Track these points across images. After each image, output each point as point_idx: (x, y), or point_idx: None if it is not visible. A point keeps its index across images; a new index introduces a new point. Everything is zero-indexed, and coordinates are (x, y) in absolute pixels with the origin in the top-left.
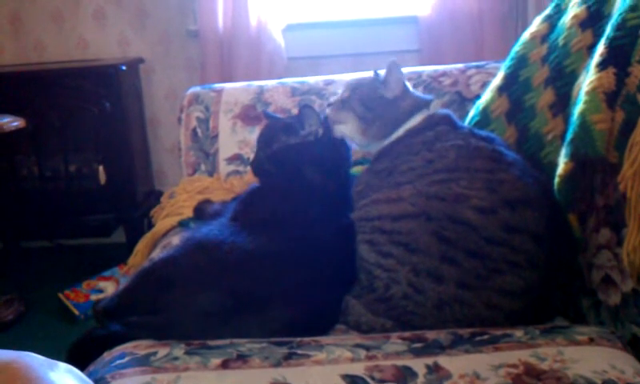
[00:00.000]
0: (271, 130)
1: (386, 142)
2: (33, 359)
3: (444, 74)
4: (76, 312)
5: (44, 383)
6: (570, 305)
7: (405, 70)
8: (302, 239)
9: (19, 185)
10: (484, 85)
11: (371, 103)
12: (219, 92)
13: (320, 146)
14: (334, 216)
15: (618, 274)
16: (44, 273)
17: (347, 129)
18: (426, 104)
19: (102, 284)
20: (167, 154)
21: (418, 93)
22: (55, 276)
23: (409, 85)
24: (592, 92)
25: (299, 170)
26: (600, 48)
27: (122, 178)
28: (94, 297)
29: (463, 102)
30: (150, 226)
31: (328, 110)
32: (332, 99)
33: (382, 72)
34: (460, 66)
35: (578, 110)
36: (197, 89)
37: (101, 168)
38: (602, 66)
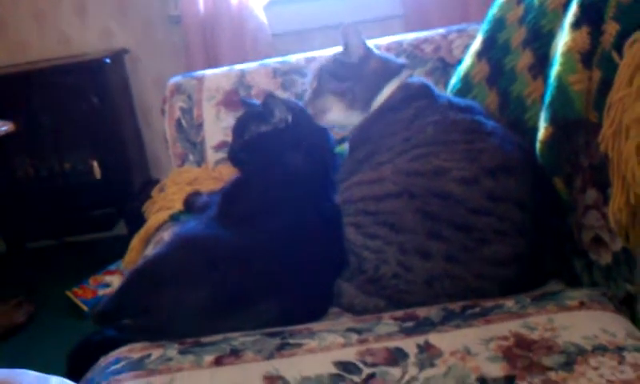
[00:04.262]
0: (244, 119)
1: (363, 118)
2: (25, 377)
3: (425, 40)
4: (85, 309)
5: None
6: (564, 267)
7: (386, 40)
8: (287, 227)
9: (17, 187)
10: (466, 48)
11: (341, 74)
12: (200, 79)
13: (294, 131)
14: (318, 200)
15: (607, 233)
16: (50, 272)
17: (333, 114)
18: (397, 69)
19: (108, 278)
20: (161, 141)
21: (387, 55)
22: (61, 274)
23: (372, 47)
24: (567, 53)
25: (275, 156)
26: (573, 7)
27: (118, 170)
28: (101, 292)
29: (446, 68)
30: None
31: (309, 108)
32: (305, 98)
33: None
34: (441, 30)
35: (554, 72)
36: (178, 78)
37: (95, 163)
38: (576, 25)
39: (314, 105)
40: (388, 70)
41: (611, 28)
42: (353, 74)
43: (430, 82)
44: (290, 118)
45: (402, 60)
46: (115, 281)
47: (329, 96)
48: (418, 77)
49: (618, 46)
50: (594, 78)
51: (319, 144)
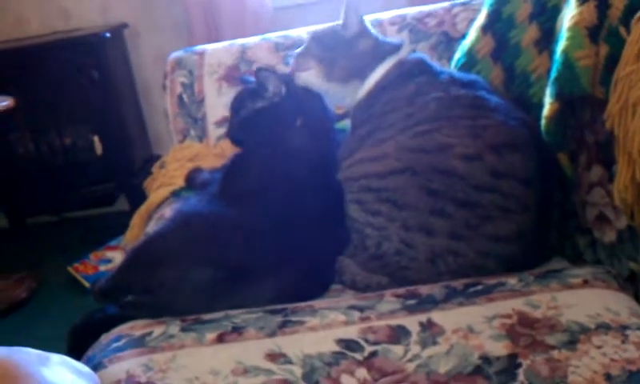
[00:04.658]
0: (240, 97)
1: (359, 94)
2: (24, 355)
3: (429, 14)
4: (86, 284)
5: (35, 380)
6: (567, 244)
7: (389, 14)
8: (289, 204)
9: (17, 163)
10: (471, 22)
11: (330, 44)
12: (202, 54)
13: (290, 104)
14: (320, 177)
15: (612, 211)
16: (52, 247)
17: (309, 75)
18: (392, 49)
19: (109, 254)
20: (162, 117)
21: (384, 38)
22: (63, 250)
23: (372, 28)
24: (574, 27)
25: (273, 132)
26: None
27: (119, 146)
28: (102, 267)
29: (450, 42)
30: None
31: (291, 61)
32: (296, 50)
33: None
34: (445, 4)
35: (560, 47)
36: (179, 53)
37: (96, 138)
38: None
39: (297, 60)
40: (380, 51)
41: (618, 2)
42: (341, 48)
43: (432, 57)
44: (283, 90)
45: (399, 40)
46: (116, 256)
47: (311, 59)
48: (416, 53)
49: (626, 21)
50: (601, 53)
51: (317, 114)
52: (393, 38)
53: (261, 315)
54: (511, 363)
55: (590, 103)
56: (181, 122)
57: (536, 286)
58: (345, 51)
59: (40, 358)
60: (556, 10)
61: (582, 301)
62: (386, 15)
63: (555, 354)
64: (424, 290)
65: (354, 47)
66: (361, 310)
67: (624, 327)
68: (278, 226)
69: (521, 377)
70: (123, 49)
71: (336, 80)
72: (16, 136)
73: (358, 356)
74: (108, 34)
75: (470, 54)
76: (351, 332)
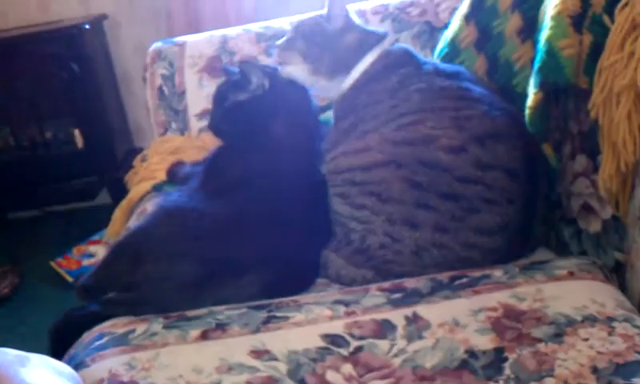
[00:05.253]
0: (223, 88)
1: (344, 86)
2: (4, 356)
3: (411, 3)
4: (69, 279)
5: (15, 383)
6: (552, 235)
7: (372, 3)
8: (272, 197)
9: None
10: (453, 12)
11: (315, 39)
12: (182, 45)
13: (272, 97)
14: (303, 170)
15: (597, 201)
16: (34, 242)
17: (294, 69)
18: (378, 39)
19: (92, 248)
20: (143, 109)
21: (370, 27)
22: (45, 244)
23: (357, 19)
24: (557, 16)
25: (255, 125)
26: None
27: (100, 139)
28: (86, 262)
29: (433, 31)
30: None
31: (275, 52)
32: (278, 42)
33: None
34: None
35: (544, 36)
36: (159, 44)
37: (76, 132)
38: None
39: (281, 53)
40: (366, 43)
41: None
42: (327, 42)
43: (415, 46)
44: (267, 84)
45: (384, 30)
46: (99, 250)
47: (295, 52)
48: (400, 44)
49: (610, 10)
50: (585, 42)
51: (299, 108)
52: (377, 27)
53: (245, 311)
54: (497, 357)
55: (574, 93)
56: (162, 115)
57: (521, 278)
58: (330, 46)
59: (20, 358)
60: None
61: (568, 292)
62: (368, 5)
63: (542, 347)
64: (409, 283)
65: (340, 42)
66: (346, 304)
67: (610, 319)
68: (261, 219)
69: (507, 371)
70: (103, 40)
71: (322, 75)
72: None
73: (344, 351)
74: (87, 26)
75: (454, 43)
76: (337, 327)
